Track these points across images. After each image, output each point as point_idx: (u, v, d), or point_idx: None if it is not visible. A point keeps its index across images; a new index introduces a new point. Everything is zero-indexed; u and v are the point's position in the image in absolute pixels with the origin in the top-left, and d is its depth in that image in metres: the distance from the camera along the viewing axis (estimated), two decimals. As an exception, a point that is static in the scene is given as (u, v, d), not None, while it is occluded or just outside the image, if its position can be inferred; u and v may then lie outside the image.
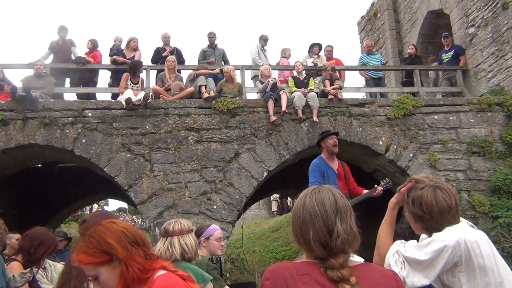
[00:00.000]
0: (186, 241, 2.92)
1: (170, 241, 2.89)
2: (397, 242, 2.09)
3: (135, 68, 7.97)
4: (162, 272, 1.66)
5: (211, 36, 9.79)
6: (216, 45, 9.83)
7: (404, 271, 1.91)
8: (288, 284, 1.42)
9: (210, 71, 8.48)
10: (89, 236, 1.65)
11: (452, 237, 1.87)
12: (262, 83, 8.14)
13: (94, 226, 1.71)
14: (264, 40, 10.09)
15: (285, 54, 10.17)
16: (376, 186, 5.20)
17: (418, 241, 2.09)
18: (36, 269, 3.67)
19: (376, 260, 2.12)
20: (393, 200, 2.19)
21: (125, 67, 8.57)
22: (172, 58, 8.47)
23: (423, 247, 1.91)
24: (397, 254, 1.99)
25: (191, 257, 2.92)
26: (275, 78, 8.21)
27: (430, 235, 1.98)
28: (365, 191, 5.34)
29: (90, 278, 2.19)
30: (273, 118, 7.60)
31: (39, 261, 3.67)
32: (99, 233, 1.63)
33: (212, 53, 9.68)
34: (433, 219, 1.96)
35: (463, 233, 1.89)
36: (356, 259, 1.52)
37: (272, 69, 8.60)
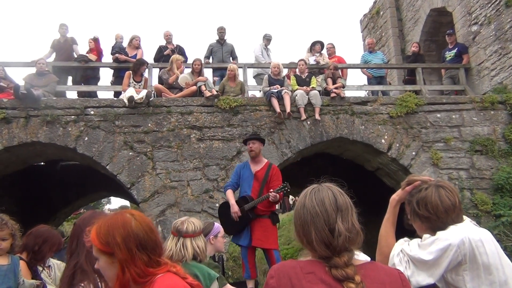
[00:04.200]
0: (198, 243, 2.91)
1: (182, 242, 2.85)
2: (401, 240, 2.07)
3: (136, 67, 7.95)
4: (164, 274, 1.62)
5: (221, 31, 9.70)
6: (225, 40, 9.74)
7: (409, 270, 1.90)
8: (293, 283, 1.42)
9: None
10: (108, 220, 1.61)
11: (457, 235, 1.87)
12: (271, 79, 8.13)
13: (118, 212, 1.66)
14: (267, 39, 10.08)
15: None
16: (271, 190, 5.22)
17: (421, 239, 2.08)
18: (41, 268, 3.68)
19: (379, 260, 2.10)
20: (394, 197, 2.16)
21: (128, 65, 8.57)
22: (181, 58, 8.48)
23: (427, 246, 1.90)
24: (402, 253, 1.97)
25: (202, 259, 2.92)
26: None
27: (434, 234, 1.97)
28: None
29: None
30: (279, 111, 7.57)
31: (43, 259, 3.68)
32: (114, 224, 1.59)
33: (219, 49, 9.62)
34: (439, 219, 1.96)
35: (468, 232, 1.88)
36: (362, 257, 1.52)
37: (273, 67, 8.56)
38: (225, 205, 5.51)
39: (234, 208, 5.25)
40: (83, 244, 2.26)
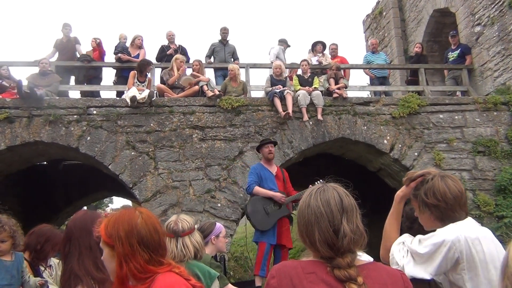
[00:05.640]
0: (196, 239, 2.88)
1: (182, 242, 2.81)
2: (406, 235, 2.11)
3: (143, 67, 7.96)
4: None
5: (224, 32, 9.71)
6: (227, 41, 9.76)
7: (406, 259, 1.95)
8: (294, 283, 1.41)
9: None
10: (118, 214, 1.65)
11: (452, 233, 1.89)
12: (273, 80, 8.13)
13: (129, 208, 1.70)
14: (286, 44, 10.17)
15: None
16: (310, 185, 5.43)
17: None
18: (43, 268, 3.69)
19: (382, 254, 2.15)
20: (399, 193, 2.20)
21: (130, 65, 8.59)
22: (182, 57, 8.49)
23: (424, 241, 1.94)
24: (403, 244, 2.03)
25: (201, 255, 2.90)
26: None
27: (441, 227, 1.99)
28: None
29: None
30: (283, 112, 7.57)
31: (46, 258, 3.69)
32: (120, 218, 1.62)
33: (222, 49, 9.63)
34: (448, 205, 1.99)
35: (464, 230, 1.91)
36: (365, 258, 1.52)
37: (275, 67, 8.55)
38: (254, 202, 5.60)
39: (278, 195, 5.56)
40: (75, 246, 2.24)
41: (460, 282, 1.87)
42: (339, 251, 1.44)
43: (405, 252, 1.97)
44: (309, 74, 8.51)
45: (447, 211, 1.99)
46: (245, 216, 6.24)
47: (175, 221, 2.91)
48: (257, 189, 5.61)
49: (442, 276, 1.94)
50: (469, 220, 2.02)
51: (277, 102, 7.69)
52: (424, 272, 1.89)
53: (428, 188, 2.05)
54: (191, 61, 8.78)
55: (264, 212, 5.49)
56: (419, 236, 2.01)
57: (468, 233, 1.89)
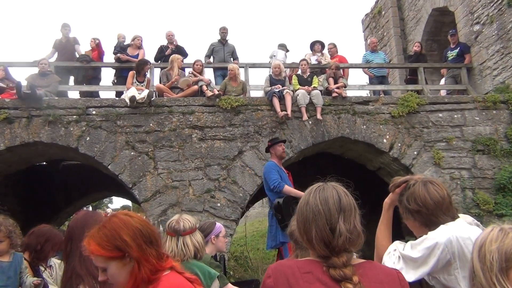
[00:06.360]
0: (197, 239, 2.89)
1: (183, 241, 2.82)
2: (396, 242, 2.11)
3: (140, 67, 7.96)
4: (167, 272, 1.62)
5: (223, 32, 9.72)
6: (226, 41, 9.76)
7: (398, 265, 1.94)
8: (290, 282, 1.42)
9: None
10: (104, 227, 1.58)
11: (444, 234, 1.90)
12: (272, 79, 8.13)
13: (110, 217, 1.64)
14: (285, 48, 10.23)
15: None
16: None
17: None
18: (43, 268, 3.69)
19: (376, 261, 2.13)
20: (387, 200, 2.20)
21: (129, 65, 8.59)
22: (180, 57, 8.51)
23: (416, 245, 1.94)
24: (394, 251, 2.02)
25: (201, 255, 2.91)
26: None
27: (427, 231, 2.00)
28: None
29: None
30: (282, 113, 7.57)
31: (46, 258, 3.69)
32: (115, 227, 1.57)
33: (221, 49, 9.64)
34: (429, 211, 1.99)
35: (456, 230, 1.92)
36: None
37: (274, 67, 8.56)
38: (288, 201, 5.56)
39: None
40: (77, 246, 2.21)
41: (454, 283, 1.88)
42: (334, 250, 1.44)
43: (396, 258, 1.97)
44: (308, 73, 8.51)
45: (429, 216, 2.00)
46: (244, 215, 6.22)
47: (177, 220, 2.93)
48: (287, 187, 5.47)
49: (434, 280, 1.95)
50: (460, 220, 2.03)
51: (276, 102, 7.69)
52: (416, 275, 1.89)
53: (409, 194, 2.05)
54: (190, 61, 8.77)
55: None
56: (410, 242, 2.01)
57: (460, 233, 1.90)
